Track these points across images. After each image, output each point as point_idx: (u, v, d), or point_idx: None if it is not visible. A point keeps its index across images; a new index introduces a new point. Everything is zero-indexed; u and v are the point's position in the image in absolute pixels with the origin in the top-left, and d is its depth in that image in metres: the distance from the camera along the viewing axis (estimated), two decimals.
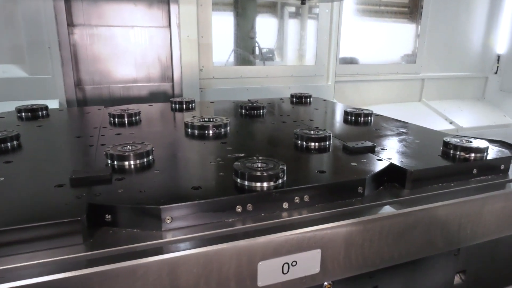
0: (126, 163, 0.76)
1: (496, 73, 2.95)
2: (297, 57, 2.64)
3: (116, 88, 2.02)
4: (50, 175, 0.72)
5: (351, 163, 0.78)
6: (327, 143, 0.93)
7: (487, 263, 0.94)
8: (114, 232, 0.58)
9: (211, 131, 1.04)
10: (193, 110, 1.41)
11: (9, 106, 1.36)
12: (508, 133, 2.57)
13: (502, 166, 0.85)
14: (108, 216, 0.59)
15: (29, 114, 1.27)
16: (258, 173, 0.65)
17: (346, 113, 1.28)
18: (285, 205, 0.65)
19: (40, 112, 1.29)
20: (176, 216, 0.59)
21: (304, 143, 0.93)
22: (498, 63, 2.91)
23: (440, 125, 2.56)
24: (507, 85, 2.89)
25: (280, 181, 0.67)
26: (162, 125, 1.18)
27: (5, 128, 0.97)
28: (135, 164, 0.77)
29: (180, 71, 2.06)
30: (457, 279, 0.91)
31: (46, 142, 0.97)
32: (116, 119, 1.19)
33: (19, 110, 1.27)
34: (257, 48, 2.51)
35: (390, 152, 0.87)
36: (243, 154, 0.84)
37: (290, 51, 2.65)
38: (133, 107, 1.30)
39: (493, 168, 0.84)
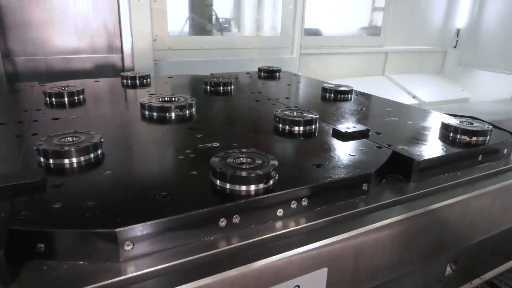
0: (66, 161, 0.58)
1: (455, 47, 2.96)
2: (259, 27, 2.46)
3: (55, 60, 1.74)
4: None
5: (350, 153, 0.66)
6: (314, 126, 0.80)
7: (476, 251, 0.87)
8: (50, 267, 0.41)
9: (173, 114, 0.86)
10: (148, 87, 1.22)
11: None
12: (466, 107, 2.60)
13: (505, 151, 0.76)
14: (40, 246, 0.42)
15: None
16: (245, 173, 0.51)
17: (324, 90, 1.15)
18: (280, 212, 0.52)
19: None
20: (139, 240, 0.43)
21: (287, 127, 0.79)
22: (457, 37, 2.92)
23: (403, 99, 2.53)
24: (465, 59, 2.92)
25: (272, 181, 0.52)
26: (112, 106, 0.98)
27: None
28: (78, 163, 0.59)
29: (130, 40, 1.82)
30: (448, 269, 0.84)
31: None
32: (54, 99, 0.97)
33: None
34: (214, 17, 2.29)
35: (386, 137, 0.75)
36: (217, 144, 0.68)
37: (251, 21, 2.46)
38: (75, 84, 1.08)
39: (497, 153, 0.75)
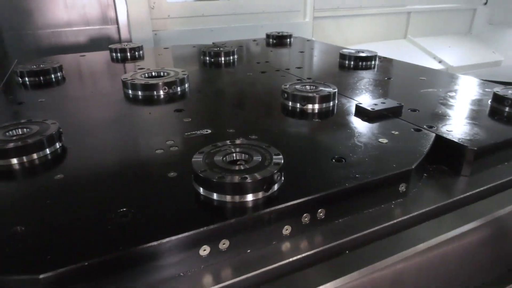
0: (12, 162, 0.45)
1: (485, 4, 2.67)
2: None
3: (44, 35, 1.59)
4: None
5: (379, 139, 0.50)
6: (332, 103, 0.64)
7: None
8: None
9: (161, 92, 0.72)
10: (140, 60, 1.06)
11: None
12: (499, 72, 2.36)
13: None
14: None
15: None
16: (237, 178, 0.36)
17: (343, 57, 0.98)
18: (287, 230, 0.37)
19: None
20: (73, 285, 0.29)
21: (298, 105, 0.63)
22: None
23: (428, 65, 2.31)
24: (497, 18, 2.63)
25: (276, 187, 0.38)
26: (92, 85, 0.84)
27: None
28: (23, 164, 0.45)
29: (125, 9, 1.65)
30: None
31: None
32: (26, 79, 0.83)
33: None
34: None
35: (424, 115, 0.59)
36: (209, 131, 0.54)
37: None
38: (53, 60, 0.94)
39: None
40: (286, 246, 0.37)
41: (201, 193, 0.37)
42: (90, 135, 0.54)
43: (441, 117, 0.58)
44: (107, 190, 0.39)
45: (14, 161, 0.45)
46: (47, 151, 0.47)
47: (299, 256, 0.36)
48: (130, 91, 0.72)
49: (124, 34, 1.69)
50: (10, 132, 0.49)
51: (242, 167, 0.38)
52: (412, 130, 0.53)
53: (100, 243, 0.31)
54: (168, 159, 0.46)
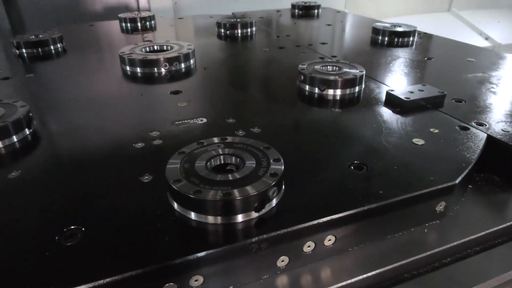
0: None
1: None
2: None
3: (61, 2, 1.53)
4: None
5: (414, 139, 0.40)
6: (357, 89, 0.53)
7: None
8: None
9: (162, 69, 0.63)
10: (151, 31, 0.98)
11: None
12: None
13: None
14: None
15: None
16: (219, 193, 0.27)
17: (375, 32, 0.85)
18: (283, 261, 0.29)
19: None
20: None
21: (317, 89, 0.53)
22: None
23: (473, 42, 2.09)
24: None
25: (272, 205, 0.29)
26: (91, 59, 0.76)
27: None
28: None
29: None
30: None
31: None
32: (24, 50, 0.77)
33: None
34: None
35: (472, 108, 0.48)
36: (204, 120, 0.45)
37: None
38: (57, 30, 0.87)
39: None
40: (281, 281, 0.28)
41: (177, 210, 0.29)
42: (67, 120, 0.47)
43: (494, 111, 0.46)
44: (60, 200, 0.32)
45: None
46: (6, 141, 0.40)
47: None
48: (128, 67, 0.64)
49: (143, 3, 1.60)
50: None
51: (228, 177, 0.30)
52: (457, 128, 0.42)
53: (39, 275, 0.23)
54: (146, 156, 0.38)
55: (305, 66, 0.56)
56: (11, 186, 0.33)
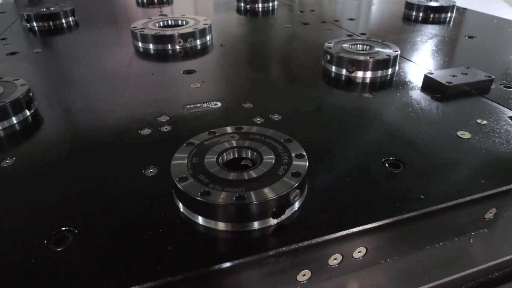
0: None
1: None
2: None
3: None
4: None
5: (458, 132, 0.34)
6: (391, 71, 0.48)
7: None
8: None
9: (176, 46, 0.58)
10: (168, 4, 0.93)
11: None
12: None
13: None
14: None
15: None
16: (231, 195, 0.23)
17: (409, 6, 0.77)
18: (304, 276, 0.25)
19: None
20: None
21: (344, 71, 0.48)
22: None
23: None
24: None
25: (296, 205, 0.25)
26: (103, 34, 0.72)
27: None
28: None
29: None
30: None
31: None
32: (34, 24, 0.73)
33: None
34: None
35: None
36: (218, 104, 0.40)
37: None
38: (66, 3, 0.83)
39: None
40: None
41: (181, 211, 0.25)
42: (71, 101, 0.43)
43: None
44: (52, 196, 0.28)
45: None
46: (5, 123, 0.37)
47: None
48: (140, 44, 0.60)
49: None
50: None
51: (244, 176, 0.25)
52: (509, 119, 0.37)
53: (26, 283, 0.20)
54: (152, 145, 0.34)
55: (332, 44, 0.50)
56: (3, 175, 0.30)
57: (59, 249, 0.23)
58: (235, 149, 0.28)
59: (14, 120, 0.38)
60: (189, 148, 0.28)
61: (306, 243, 0.23)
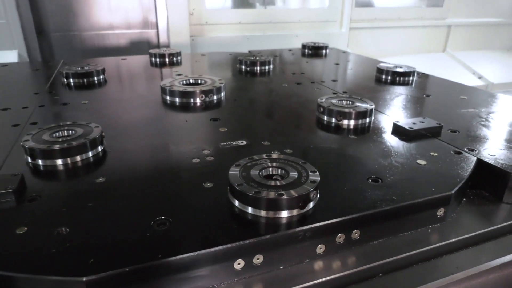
0: (57, 162, 0.47)
1: None
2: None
3: (89, 36, 1.66)
4: None
5: (417, 160, 0.49)
6: (368, 120, 0.63)
7: None
8: None
9: (198, 99, 0.73)
10: (178, 66, 1.09)
11: None
12: None
13: None
14: None
15: None
16: (273, 194, 0.36)
17: (379, 71, 0.96)
18: (321, 249, 0.37)
19: None
20: None
21: (334, 119, 0.63)
22: None
23: (467, 81, 2.23)
24: None
25: (311, 205, 0.38)
26: (131, 90, 0.87)
27: None
28: (67, 165, 0.47)
29: (166, 15, 1.70)
30: None
31: None
32: (71, 80, 0.87)
33: None
34: None
35: (464, 137, 0.58)
36: (244, 142, 0.54)
37: None
38: (99, 62, 0.98)
39: None
40: (319, 265, 0.37)
41: (237, 206, 0.38)
42: (129, 139, 0.56)
43: (483, 140, 0.56)
44: (146, 197, 0.40)
45: (59, 162, 0.48)
46: (90, 154, 0.49)
47: (332, 277, 0.35)
48: (168, 97, 0.74)
49: (163, 39, 1.74)
50: (56, 134, 0.51)
51: (278, 183, 0.39)
52: (452, 152, 0.52)
53: (140, 250, 0.32)
54: (204, 168, 0.47)
55: (323, 100, 0.66)
56: (100, 189, 0.42)
57: (162, 229, 0.35)
58: (270, 168, 0.42)
59: (90, 153, 0.50)
60: (238, 167, 0.41)
61: (320, 223, 0.36)
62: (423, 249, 0.39)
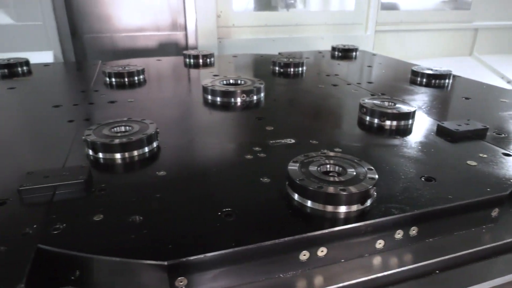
0: (116, 156, 0.49)
1: None
2: (327, 2, 2.24)
3: (119, 38, 1.71)
4: None
5: (468, 161, 0.50)
6: (411, 121, 0.64)
7: None
8: None
9: (239, 99, 0.75)
10: (211, 67, 1.12)
11: None
12: None
13: None
14: (74, 272, 0.33)
15: (5, 70, 0.99)
16: (337, 189, 0.37)
17: (414, 74, 0.96)
18: (380, 244, 0.38)
19: (19, 68, 1.01)
20: (195, 275, 0.32)
21: (377, 120, 0.64)
22: None
23: (495, 85, 2.20)
24: None
25: (369, 202, 0.39)
26: (172, 89, 0.89)
27: None
28: (128, 159, 0.50)
29: (194, 17, 1.73)
30: None
31: (9, 116, 0.70)
32: (113, 79, 0.90)
33: None
34: None
35: (510, 140, 0.58)
36: (292, 141, 0.56)
37: None
38: (136, 63, 1.01)
39: None
40: (378, 260, 0.38)
41: (297, 200, 0.39)
42: (178, 136, 0.58)
43: None
44: (209, 189, 0.42)
45: (118, 155, 0.50)
46: (146, 149, 0.52)
47: (390, 272, 0.36)
48: (209, 97, 0.76)
49: (191, 40, 1.77)
50: (115, 129, 0.54)
51: (336, 179, 0.40)
52: (501, 154, 0.52)
53: (214, 238, 0.34)
54: (258, 164, 0.48)
55: (366, 101, 0.67)
56: (163, 181, 0.44)
57: (229, 219, 0.37)
58: (327, 164, 0.43)
59: (147, 149, 0.52)
60: (296, 163, 0.42)
61: (382, 219, 0.37)
62: (479, 248, 0.39)
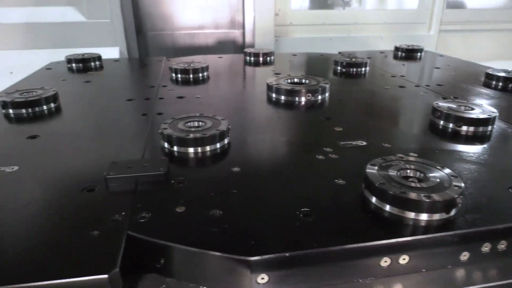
0: (191, 151, 0.51)
1: None
2: (384, 1, 2.16)
3: (180, 36, 1.77)
4: (78, 167, 0.49)
5: None
6: (490, 127, 0.60)
7: None
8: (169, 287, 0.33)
9: (303, 98, 0.74)
10: (271, 65, 1.12)
11: (67, 54, 1.15)
12: None
13: None
14: (159, 260, 0.34)
15: (80, 65, 1.06)
16: (422, 195, 0.36)
17: (489, 77, 0.90)
18: (465, 256, 0.36)
19: (92, 63, 1.08)
20: (276, 273, 0.32)
21: (451, 125, 0.60)
22: None
23: None
24: None
25: (454, 211, 0.37)
26: (235, 86, 0.91)
27: (46, 84, 0.76)
28: (203, 154, 0.51)
29: (252, 15, 1.75)
30: None
31: (89, 108, 0.74)
32: (179, 75, 0.93)
33: (68, 60, 1.07)
34: None
35: None
36: (364, 143, 0.54)
37: None
38: (199, 60, 1.04)
39: None
40: (461, 272, 0.36)
41: (375, 204, 0.38)
42: (247, 133, 0.59)
43: None
44: (284, 188, 0.42)
45: (191, 150, 0.52)
46: (218, 145, 0.53)
47: (474, 287, 0.34)
48: (274, 95, 0.76)
49: (248, 39, 1.79)
50: (189, 124, 0.56)
51: (418, 185, 0.38)
52: None
53: (295, 237, 0.34)
54: (331, 165, 0.48)
55: (440, 104, 0.64)
56: (238, 177, 0.45)
57: (308, 220, 0.36)
58: (407, 169, 0.41)
59: (218, 145, 0.54)
60: (374, 166, 0.41)
61: (468, 230, 0.35)
62: None
